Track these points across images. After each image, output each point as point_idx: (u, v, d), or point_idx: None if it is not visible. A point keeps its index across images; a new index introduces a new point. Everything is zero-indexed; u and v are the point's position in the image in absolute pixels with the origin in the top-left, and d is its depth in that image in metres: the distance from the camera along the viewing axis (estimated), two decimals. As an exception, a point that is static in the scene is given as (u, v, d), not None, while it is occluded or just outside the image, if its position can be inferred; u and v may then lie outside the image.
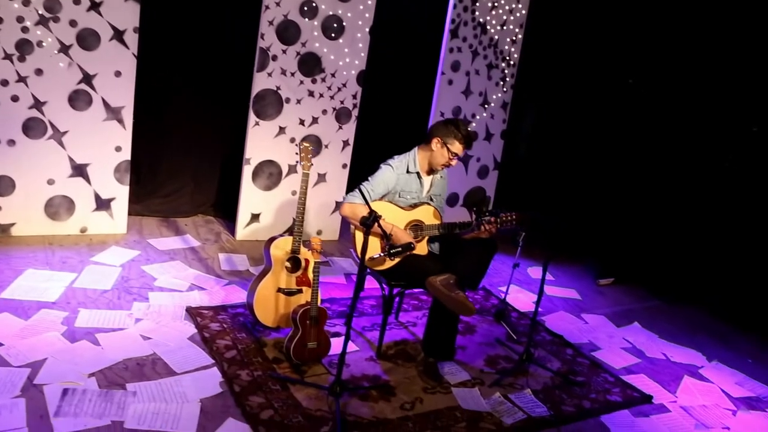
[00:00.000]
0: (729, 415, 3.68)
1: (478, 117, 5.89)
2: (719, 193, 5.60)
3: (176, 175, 5.34)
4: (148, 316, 3.71)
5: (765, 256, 5.30)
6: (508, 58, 5.87)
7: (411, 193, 3.64)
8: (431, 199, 3.73)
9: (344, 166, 5.34)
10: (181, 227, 5.21)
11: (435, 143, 3.58)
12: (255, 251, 4.87)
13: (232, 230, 5.23)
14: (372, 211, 2.92)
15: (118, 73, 4.45)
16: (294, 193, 5.16)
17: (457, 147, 3.55)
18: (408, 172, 3.63)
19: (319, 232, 5.41)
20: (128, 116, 4.59)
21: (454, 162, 3.60)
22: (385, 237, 3.11)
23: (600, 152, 6.44)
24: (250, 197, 5.08)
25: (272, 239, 3.58)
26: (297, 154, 3.57)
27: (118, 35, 4.37)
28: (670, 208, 5.89)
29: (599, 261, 5.82)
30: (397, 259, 3.46)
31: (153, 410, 2.88)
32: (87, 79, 4.37)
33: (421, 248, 3.59)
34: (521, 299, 4.84)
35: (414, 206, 3.62)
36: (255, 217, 5.15)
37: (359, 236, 3.42)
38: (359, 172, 3.70)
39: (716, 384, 4.02)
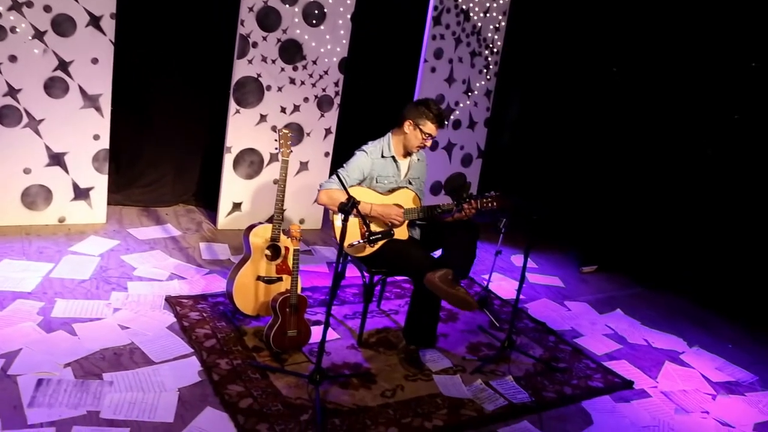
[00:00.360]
0: (709, 400, 3.70)
1: (461, 105, 5.87)
2: (702, 181, 5.62)
3: (156, 165, 5.28)
4: (127, 306, 3.66)
5: (747, 242, 5.34)
6: (491, 45, 5.84)
7: (388, 177, 3.61)
8: (410, 183, 3.70)
9: (326, 154, 5.30)
10: (161, 217, 5.16)
11: (407, 126, 3.56)
12: (236, 240, 4.82)
13: (213, 219, 5.19)
14: (350, 197, 2.89)
15: (95, 60, 4.37)
16: (276, 181, 5.11)
17: (429, 127, 3.52)
18: (383, 156, 3.61)
19: (301, 221, 5.37)
20: (106, 104, 4.51)
21: (428, 143, 3.58)
22: (365, 223, 3.08)
23: (584, 141, 6.44)
24: (232, 186, 5.03)
25: (251, 227, 3.55)
26: (276, 140, 3.52)
27: (95, 21, 4.29)
28: (654, 196, 5.91)
29: (583, 249, 5.84)
30: (377, 246, 3.44)
31: (130, 400, 2.84)
32: (63, 66, 4.29)
33: (401, 233, 3.57)
34: (504, 287, 4.83)
35: (392, 191, 3.59)
36: (236, 206, 5.10)
37: (338, 222, 3.39)
38: (342, 160, 3.68)
39: (697, 369, 4.04)
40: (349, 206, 2.87)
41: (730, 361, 4.22)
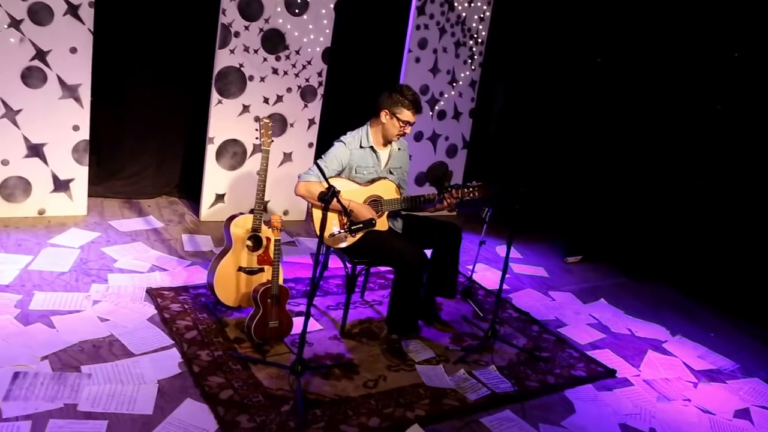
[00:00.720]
0: (690, 388, 3.72)
1: (446, 95, 5.84)
2: (684, 171, 5.64)
3: (138, 156, 5.23)
4: (107, 298, 3.62)
5: (730, 231, 5.36)
6: (476, 35, 5.82)
7: (368, 168, 3.58)
8: (390, 173, 3.67)
9: (310, 145, 5.27)
10: (144, 209, 5.10)
11: (384, 115, 3.52)
12: (219, 232, 4.76)
13: (196, 211, 5.14)
14: (330, 186, 2.86)
15: (73, 50, 4.30)
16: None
17: (406, 115, 3.48)
18: (361, 147, 3.57)
19: (285, 212, 5.34)
20: (86, 94, 4.45)
21: (407, 130, 3.54)
22: (345, 213, 3.05)
23: (569, 131, 6.44)
24: (215, 177, 4.99)
25: (232, 217, 3.51)
26: (257, 130, 3.48)
27: (73, 10, 4.22)
28: (638, 186, 5.93)
29: (568, 239, 5.85)
30: (358, 236, 3.42)
31: (108, 392, 2.81)
32: (40, 55, 4.22)
33: (381, 224, 3.54)
34: (489, 277, 4.83)
35: (372, 181, 3.56)
36: (220, 198, 5.06)
37: (317, 214, 3.36)
38: (326, 151, 3.64)
39: (679, 358, 4.06)
40: (329, 195, 2.84)
41: (712, 350, 4.24)
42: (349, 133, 3.60)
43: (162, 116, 5.16)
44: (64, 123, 4.44)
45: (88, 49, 4.35)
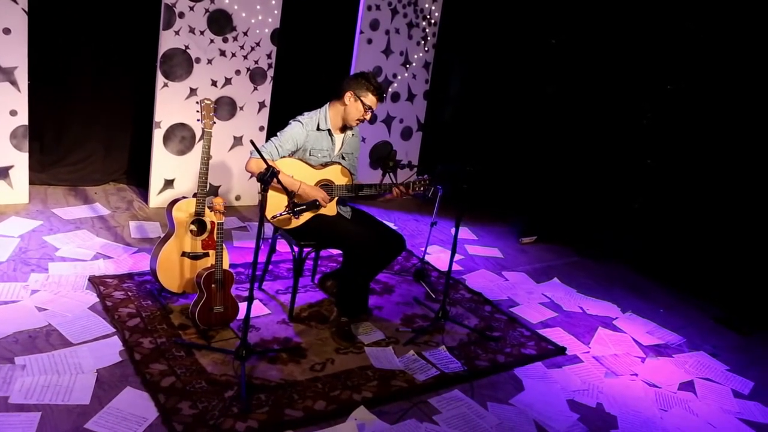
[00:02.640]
0: (638, 363, 3.77)
1: (399, 77, 5.79)
2: (637, 150, 5.70)
3: (84, 142, 5.06)
4: (46, 287, 3.50)
5: (680, 210, 5.44)
6: (428, 16, 5.77)
7: (322, 151, 3.52)
8: (343, 158, 3.62)
9: (261, 128, 5.17)
10: (90, 196, 4.96)
11: (348, 97, 3.46)
12: (168, 218, 4.68)
13: (145, 198, 5.02)
14: (269, 167, 2.79)
15: (7, 31, 4.13)
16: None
17: (370, 99, 3.45)
18: (319, 129, 3.51)
19: (237, 198, 5.25)
20: (22, 78, 4.28)
21: (368, 116, 3.50)
22: (288, 194, 2.99)
23: (523, 112, 6.45)
24: (163, 162, 4.86)
25: (174, 201, 3.41)
26: (198, 111, 3.39)
27: (5, -11, 4.06)
28: (592, 167, 5.97)
29: (523, 220, 5.87)
30: (303, 218, 3.36)
31: (43, 383, 2.72)
32: (-28, 36, 4.05)
33: (330, 209, 3.49)
34: (443, 259, 4.82)
35: (325, 165, 3.51)
36: (169, 183, 4.94)
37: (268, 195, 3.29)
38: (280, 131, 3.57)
39: (628, 334, 4.11)
40: (268, 176, 2.77)
41: (661, 325, 4.31)
42: (306, 113, 3.53)
43: (108, 100, 4.99)
44: (1, 108, 4.27)
45: (23, 31, 4.17)
